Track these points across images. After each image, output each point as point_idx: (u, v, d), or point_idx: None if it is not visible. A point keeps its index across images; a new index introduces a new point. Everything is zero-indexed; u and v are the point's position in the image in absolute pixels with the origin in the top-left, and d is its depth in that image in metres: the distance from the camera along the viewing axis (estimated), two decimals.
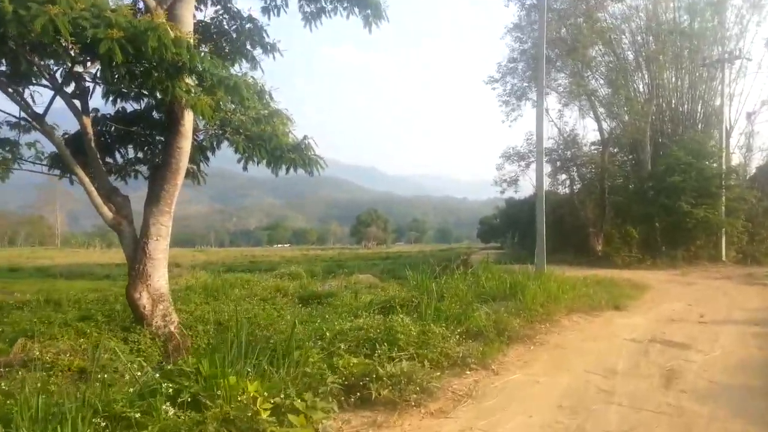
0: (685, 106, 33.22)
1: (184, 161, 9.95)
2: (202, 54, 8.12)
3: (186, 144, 9.91)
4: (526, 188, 36.80)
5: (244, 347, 4.95)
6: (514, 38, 33.66)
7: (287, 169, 10.50)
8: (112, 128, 11.22)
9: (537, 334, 7.93)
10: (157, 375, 4.39)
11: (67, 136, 10.92)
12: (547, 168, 34.11)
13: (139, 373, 4.70)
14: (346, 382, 5.03)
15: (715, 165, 28.31)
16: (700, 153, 27.76)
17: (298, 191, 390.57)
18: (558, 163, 34.32)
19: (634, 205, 29.03)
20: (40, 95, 10.02)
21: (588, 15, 30.34)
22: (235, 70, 11.84)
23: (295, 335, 6.54)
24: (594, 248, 30.19)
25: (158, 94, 9.02)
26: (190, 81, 8.67)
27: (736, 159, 32.11)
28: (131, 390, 3.97)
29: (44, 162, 10.92)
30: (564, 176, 35.34)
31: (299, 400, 4.06)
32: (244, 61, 12.56)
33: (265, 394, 4.01)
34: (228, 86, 8.45)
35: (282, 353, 5.30)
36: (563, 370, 6.22)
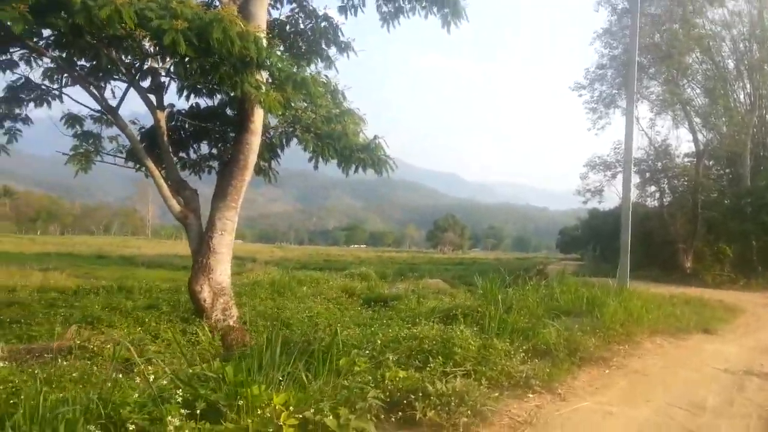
0: None
1: (252, 158, 9.90)
2: (271, 50, 7.98)
3: (255, 140, 9.85)
4: (610, 199, 35.34)
5: (281, 351, 4.60)
6: (603, 44, 32.37)
7: (356, 169, 10.26)
8: (187, 124, 11.41)
9: (614, 357, 7.10)
10: (175, 379, 4.11)
11: (143, 130, 11.20)
12: (635, 179, 32.51)
13: (168, 370, 4.45)
14: (389, 398, 4.58)
15: None
16: None
17: (379, 194, 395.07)
18: (647, 175, 32.51)
19: (730, 221, 27.14)
20: (120, 90, 10.32)
21: (685, 20, 28.61)
22: (311, 69, 11.82)
23: (342, 341, 6.22)
24: (683, 265, 28.34)
25: (228, 90, 8.99)
26: (261, 77, 8.57)
27: None
28: (146, 393, 3.72)
29: (123, 155, 11.21)
30: (653, 188, 33.55)
31: (331, 417, 3.66)
32: (320, 60, 12.53)
33: (291, 408, 3.65)
34: (296, 82, 8.30)
35: (322, 360, 4.95)
36: (642, 401, 5.47)
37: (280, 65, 8.15)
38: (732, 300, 16.88)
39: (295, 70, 8.18)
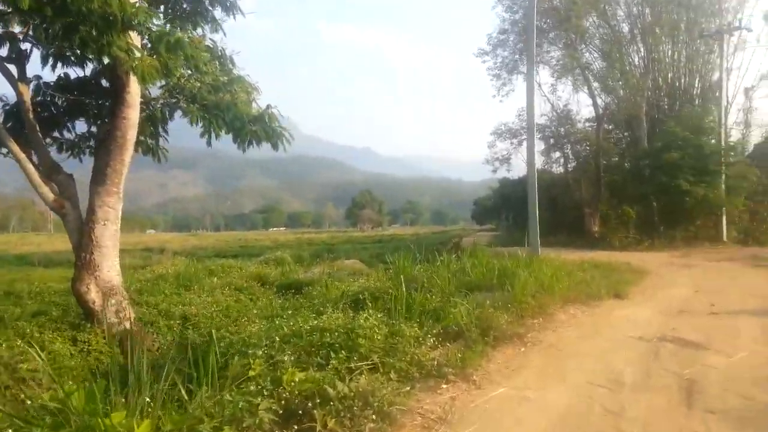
0: (682, 81, 32.13)
1: (131, 134, 8.79)
2: (137, 5, 6.93)
3: (132, 114, 8.75)
4: (519, 167, 35.95)
5: (168, 359, 3.82)
6: (504, 8, 32.40)
7: (249, 143, 9.37)
8: (57, 99, 10.04)
9: (529, 332, 6.80)
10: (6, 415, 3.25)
11: (6, 107, 9.76)
12: (540, 145, 33.23)
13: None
14: (285, 407, 3.92)
15: (713, 141, 27.22)
16: (698, 129, 26.63)
17: (293, 172, 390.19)
18: (551, 141, 33.30)
19: (631, 184, 28.05)
20: None
21: None
22: (198, 33, 10.75)
23: (243, 339, 5.50)
24: (590, 229, 29.27)
25: (94, 55, 7.82)
26: (133, 41, 7.51)
27: (734, 136, 30.98)
28: None
29: None
30: (558, 154, 34.42)
31: None
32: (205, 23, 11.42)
33: None
34: (169, 43, 7.33)
35: (206, 367, 4.22)
36: (560, 382, 5.11)
37: (148, 25, 7.15)
38: (637, 262, 17.38)
39: (162, 29, 7.20)
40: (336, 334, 5.16)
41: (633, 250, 23.79)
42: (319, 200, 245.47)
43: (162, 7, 11.28)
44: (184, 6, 11.48)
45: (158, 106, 9.63)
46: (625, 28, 32.18)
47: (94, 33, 6.78)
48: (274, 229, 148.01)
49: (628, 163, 31.59)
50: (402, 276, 8.28)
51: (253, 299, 12.80)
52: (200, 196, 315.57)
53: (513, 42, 32.18)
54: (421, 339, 5.58)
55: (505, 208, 50.43)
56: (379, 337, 5.13)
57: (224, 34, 11.61)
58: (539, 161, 34.31)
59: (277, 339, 5.20)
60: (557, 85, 32.93)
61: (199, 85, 9.30)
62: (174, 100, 9.57)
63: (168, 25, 8.13)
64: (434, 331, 5.91)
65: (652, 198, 27.16)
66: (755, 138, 32.85)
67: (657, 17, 29.76)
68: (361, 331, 5.12)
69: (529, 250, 16.46)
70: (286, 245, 50.47)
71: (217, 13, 10.99)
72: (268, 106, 9.68)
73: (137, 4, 6.88)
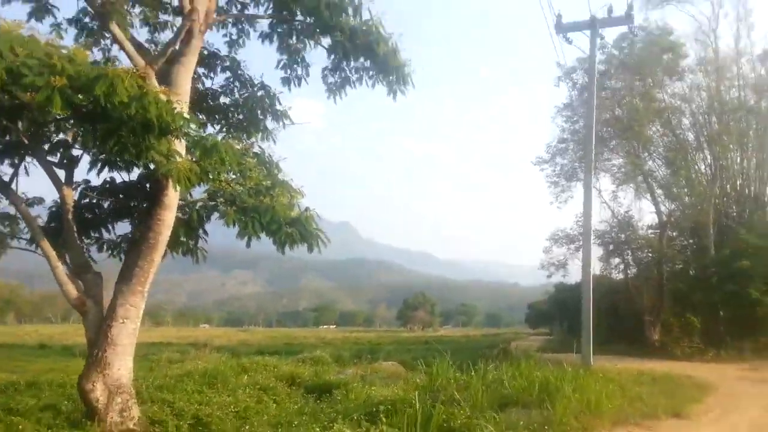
0: (752, 188, 31.40)
1: (165, 235, 8.85)
2: (175, 111, 7.17)
3: (168, 215, 8.85)
4: (575, 273, 34.76)
5: None
6: (564, 118, 32.80)
7: (284, 245, 9.30)
8: (104, 201, 10.41)
9: None
10: None
11: (53, 208, 10.15)
12: (599, 251, 32.31)
13: None
14: None
15: None
16: None
17: (351, 275, 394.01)
18: (611, 247, 32.16)
19: (696, 292, 26.75)
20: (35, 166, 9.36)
21: (645, 94, 29.26)
22: (250, 141, 11.23)
23: None
24: (650, 338, 27.63)
25: (133, 159, 8.09)
26: (176, 146, 7.78)
27: None
28: None
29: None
30: (618, 260, 33.06)
31: None
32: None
33: None
34: (205, 148, 7.52)
35: None
36: None
37: (186, 130, 7.37)
38: (702, 374, 15.99)
39: (199, 133, 7.40)
40: None
41: (696, 361, 22.31)
42: (374, 301, 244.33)
43: (217, 117, 11.88)
44: (239, 116, 12.09)
45: (195, 208, 9.76)
46: (691, 136, 31.94)
47: (132, 138, 7.00)
48: (325, 326, 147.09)
49: (693, 271, 30.26)
50: (434, 385, 7.71)
51: (277, 401, 12.26)
52: (258, 295, 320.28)
53: (573, 150, 32.13)
54: None
55: (559, 313, 48.78)
56: None
57: (274, 141, 12.07)
58: (598, 267, 33.31)
59: None
60: (618, 192, 32.36)
61: (240, 188, 9.45)
62: (213, 203, 9.71)
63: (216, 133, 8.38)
64: None
65: (719, 307, 25.64)
66: None
67: (724, 126, 29.34)
68: None
69: (581, 359, 15.43)
70: (332, 343, 49.64)
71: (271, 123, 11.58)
72: (306, 209, 9.69)
73: (176, 110, 7.10)
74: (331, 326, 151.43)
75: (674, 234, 32.75)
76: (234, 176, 9.81)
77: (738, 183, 31.42)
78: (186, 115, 7.35)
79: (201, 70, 11.66)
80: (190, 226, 9.73)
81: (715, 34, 30.63)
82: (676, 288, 28.89)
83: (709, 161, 31.08)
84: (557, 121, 33.13)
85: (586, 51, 18.06)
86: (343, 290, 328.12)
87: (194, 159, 8.05)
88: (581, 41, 18.35)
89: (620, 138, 30.41)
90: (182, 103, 8.04)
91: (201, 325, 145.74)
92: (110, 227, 10.64)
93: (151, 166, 8.14)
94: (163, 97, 6.92)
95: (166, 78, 8.97)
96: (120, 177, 10.08)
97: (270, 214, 9.14)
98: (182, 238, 10.41)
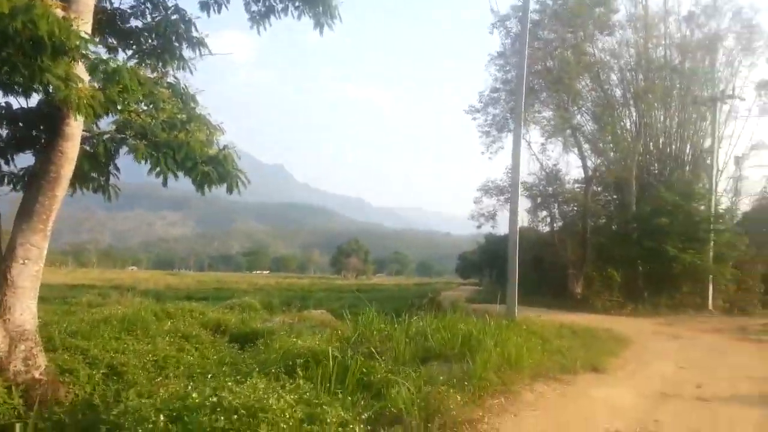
0: (674, 146, 32.21)
1: (66, 168, 7.98)
2: (71, 28, 6.27)
3: (70, 148, 7.95)
4: (505, 224, 35.20)
5: None
6: (497, 67, 32.54)
7: (201, 185, 8.62)
8: (4, 131, 9.31)
9: (485, 416, 5.72)
10: None
11: None
12: (527, 204, 32.76)
13: None
14: None
15: (703, 208, 26.99)
16: (688, 195, 26.53)
17: (285, 219, 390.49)
18: (539, 199, 32.81)
19: (617, 247, 27.63)
20: None
21: (576, 47, 29.25)
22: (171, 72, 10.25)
23: (132, 409, 4.56)
24: (573, 291, 28.56)
25: (26, 82, 7.14)
26: (81, 71, 6.87)
27: (724, 203, 30.74)
28: None
29: None
30: (545, 213, 33.82)
31: None
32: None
33: None
34: (106, 73, 6.68)
35: None
36: None
37: (84, 51, 6.49)
38: (621, 328, 16.54)
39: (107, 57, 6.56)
40: (234, 415, 4.16)
41: (616, 314, 23.14)
42: (308, 247, 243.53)
43: (130, 42, 10.82)
44: (153, 42, 10.98)
45: (101, 140, 8.83)
46: (618, 92, 32.33)
47: (22, 57, 6.11)
48: (258, 272, 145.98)
49: (615, 226, 31.23)
50: (357, 336, 7.43)
51: (199, 350, 11.78)
52: (188, 237, 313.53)
53: (504, 100, 32.12)
54: (348, 424, 4.56)
55: (488, 264, 49.84)
56: (291, 423, 4.18)
57: (191, 72, 11.09)
58: (525, 219, 33.91)
59: (162, 418, 4.22)
60: (547, 145, 32.60)
61: (151, 121, 8.61)
62: (121, 136, 8.81)
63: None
64: (365, 415, 4.88)
65: (639, 262, 26.68)
66: (744, 206, 32.71)
67: (650, 83, 29.85)
68: (271, 412, 4.18)
69: (506, 311, 15.67)
70: (263, 289, 49.11)
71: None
72: (225, 147, 9.00)
73: (72, 28, 6.22)
74: (265, 272, 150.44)
75: (599, 189, 33.55)
76: (146, 107, 9.00)
77: (660, 141, 32.10)
78: (85, 35, 6.48)
79: None
80: (96, 160, 8.83)
81: None
82: (599, 242, 29.74)
83: (634, 118, 31.67)
84: (490, 70, 32.93)
85: None
86: (277, 234, 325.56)
87: (100, 86, 7.19)
88: None
89: (550, 90, 30.62)
90: (82, 22, 7.12)
91: (129, 268, 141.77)
92: (10, 158, 9.63)
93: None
94: (58, 12, 6.04)
95: None
96: (18, 103, 9.06)
97: (185, 151, 8.44)
98: (92, 174, 9.59)
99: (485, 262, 52.07)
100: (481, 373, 6.74)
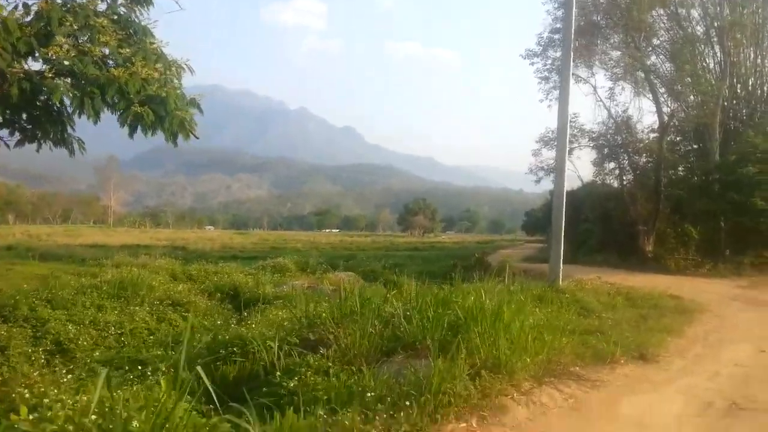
0: (766, 88, 28.19)
1: None
2: None
3: None
4: (571, 178, 32.25)
5: None
6: (557, 4, 28.62)
7: (132, 127, 7.05)
8: None
9: None
10: None
11: None
12: (592, 155, 29.77)
13: None
14: None
15: None
16: None
17: (356, 179, 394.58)
18: (606, 150, 29.38)
19: (695, 200, 24.46)
20: None
21: None
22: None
23: None
24: (644, 249, 25.65)
25: None
26: None
27: None
28: None
29: None
30: (613, 165, 30.31)
31: None
32: None
33: None
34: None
35: None
36: None
37: None
38: (693, 292, 14.13)
39: None
40: None
41: (691, 275, 20.62)
42: (380, 206, 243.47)
43: None
44: None
45: (15, 79, 7.30)
46: (700, 29, 28.32)
47: None
48: (327, 231, 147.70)
49: (695, 177, 27.75)
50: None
51: (187, 318, 10.53)
52: (263, 198, 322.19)
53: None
54: None
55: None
56: None
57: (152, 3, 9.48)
58: (591, 172, 30.85)
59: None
60: (615, 89, 28.95)
61: (83, 57, 7.07)
62: (39, 76, 7.26)
63: None
64: None
65: (720, 217, 23.52)
66: None
67: (738, 17, 25.83)
68: None
69: (549, 276, 13.64)
70: (321, 248, 48.35)
71: None
72: (167, 81, 7.39)
73: None
74: (334, 230, 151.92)
75: (677, 138, 30.03)
76: (82, 41, 7.52)
77: (750, 82, 28.22)
78: None
79: None
80: (9, 102, 7.37)
81: None
82: (675, 195, 26.59)
83: (718, 57, 27.66)
84: (549, 7, 29.14)
85: None
86: (349, 195, 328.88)
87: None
88: None
89: (617, 27, 26.98)
90: None
91: (206, 227, 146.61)
92: None
93: None
94: None
95: None
96: None
97: (114, 88, 6.91)
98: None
99: (549, 219, 49.12)
100: (441, 380, 4.46)
